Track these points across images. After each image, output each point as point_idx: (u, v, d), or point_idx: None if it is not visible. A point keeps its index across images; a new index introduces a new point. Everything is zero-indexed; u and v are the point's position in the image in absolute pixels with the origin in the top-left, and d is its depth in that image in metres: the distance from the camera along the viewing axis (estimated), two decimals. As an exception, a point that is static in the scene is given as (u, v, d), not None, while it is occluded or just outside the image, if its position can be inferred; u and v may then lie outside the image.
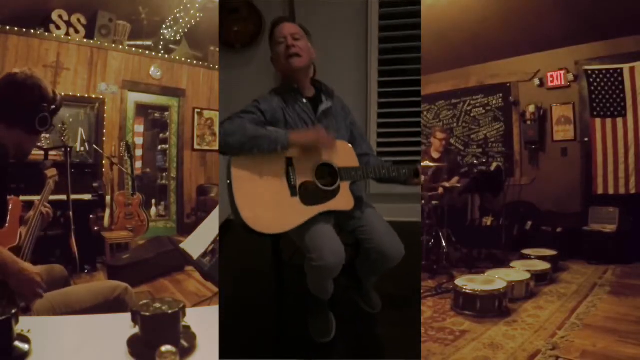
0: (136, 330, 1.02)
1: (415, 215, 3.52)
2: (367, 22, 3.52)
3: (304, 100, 1.85)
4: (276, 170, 1.70)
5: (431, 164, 4.09)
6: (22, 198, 1.68)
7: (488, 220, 4.65)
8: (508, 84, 5.25)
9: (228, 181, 1.64)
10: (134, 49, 5.68)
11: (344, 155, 1.83)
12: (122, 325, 1.09)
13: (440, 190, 4.09)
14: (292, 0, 3.35)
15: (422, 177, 4.05)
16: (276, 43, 1.81)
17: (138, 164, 6.12)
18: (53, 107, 1.58)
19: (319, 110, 1.86)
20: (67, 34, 5.05)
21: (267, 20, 3.43)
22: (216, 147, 6.34)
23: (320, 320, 1.90)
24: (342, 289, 2.06)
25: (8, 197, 1.62)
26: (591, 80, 4.48)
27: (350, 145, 1.89)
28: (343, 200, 1.78)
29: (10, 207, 1.59)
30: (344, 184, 1.79)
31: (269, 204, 1.66)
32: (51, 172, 2.01)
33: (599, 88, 4.44)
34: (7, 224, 1.54)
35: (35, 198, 1.84)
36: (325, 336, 1.86)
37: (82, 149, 5.12)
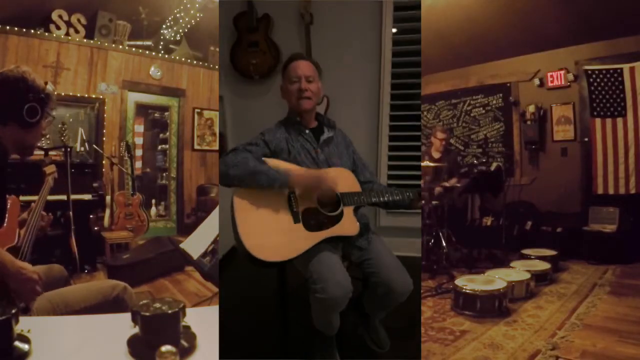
0: (136, 330, 1.02)
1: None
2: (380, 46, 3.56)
3: (307, 131, 1.95)
4: (278, 198, 1.72)
5: (431, 164, 4.09)
6: (21, 198, 1.68)
7: (488, 220, 4.65)
8: (508, 84, 5.25)
9: (231, 211, 1.65)
10: (134, 49, 5.68)
11: (345, 181, 1.86)
12: (122, 325, 1.09)
13: (437, 190, 4.08)
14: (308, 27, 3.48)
15: (423, 178, 4.06)
16: (290, 80, 1.91)
17: (138, 164, 6.12)
18: (42, 96, 1.58)
19: (320, 139, 1.95)
20: (67, 34, 5.05)
21: (284, 54, 3.54)
22: (216, 147, 6.35)
23: (324, 356, 1.85)
24: (350, 326, 2.02)
25: (7, 196, 1.61)
26: (591, 80, 4.48)
27: (351, 171, 1.94)
28: (347, 225, 1.78)
29: (8, 207, 1.59)
30: (348, 209, 1.81)
31: (272, 231, 1.65)
32: (50, 169, 2.00)
33: (599, 88, 4.44)
34: (5, 224, 1.54)
35: (35, 198, 1.84)
36: None
37: (82, 149, 5.11)
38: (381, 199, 1.86)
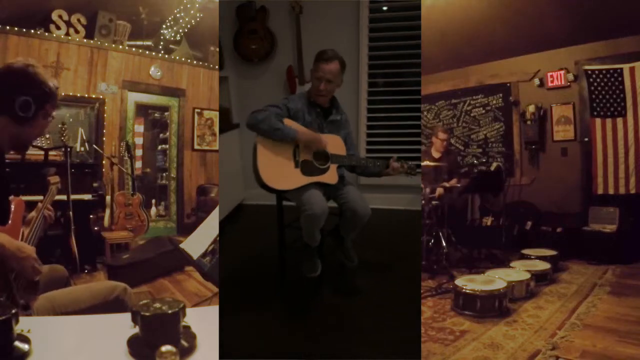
0: (136, 330, 1.02)
1: (397, 204, 4.32)
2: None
3: (319, 110, 2.56)
4: (287, 149, 2.42)
5: (431, 164, 4.09)
6: (23, 198, 1.68)
7: (488, 220, 4.65)
8: (508, 84, 5.25)
9: (254, 151, 2.35)
10: (134, 49, 5.68)
11: (336, 146, 2.55)
12: (122, 325, 1.09)
13: (439, 191, 4.09)
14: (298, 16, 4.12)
15: (422, 178, 4.06)
16: (317, 75, 2.45)
17: (138, 164, 6.11)
18: (40, 91, 1.53)
19: (328, 119, 2.59)
20: (67, 34, 5.05)
21: (279, 40, 4.21)
22: (216, 147, 6.35)
23: (310, 261, 2.59)
24: (330, 249, 2.78)
25: (11, 197, 1.61)
26: (591, 80, 4.48)
27: (341, 139, 2.59)
28: (331, 176, 2.52)
29: (13, 207, 1.59)
30: (333, 165, 2.52)
31: (279, 170, 2.38)
32: (54, 179, 2.01)
33: (599, 88, 4.44)
34: (10, 221, 1.54)
35: (36, 198, 1.84)
36: (313, 272, 2.57)
37: (82, 149, 5.11)
38: (357, 163, 2.60)
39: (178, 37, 5.99)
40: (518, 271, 3.39)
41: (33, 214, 1.70)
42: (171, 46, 6.13)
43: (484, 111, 5.50)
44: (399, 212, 4.27)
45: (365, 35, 4.11)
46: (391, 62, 4.18)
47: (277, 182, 2.35)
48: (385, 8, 4.13)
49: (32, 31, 4.81)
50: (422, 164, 4.11)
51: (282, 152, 2.39)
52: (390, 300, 2.44)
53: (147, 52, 5.80)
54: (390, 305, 2.37)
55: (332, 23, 4.11)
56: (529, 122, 5.03)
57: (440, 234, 3.99)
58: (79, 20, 5.13)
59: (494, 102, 5.40)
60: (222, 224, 3.52)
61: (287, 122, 2.39)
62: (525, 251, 4.05)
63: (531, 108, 5.00)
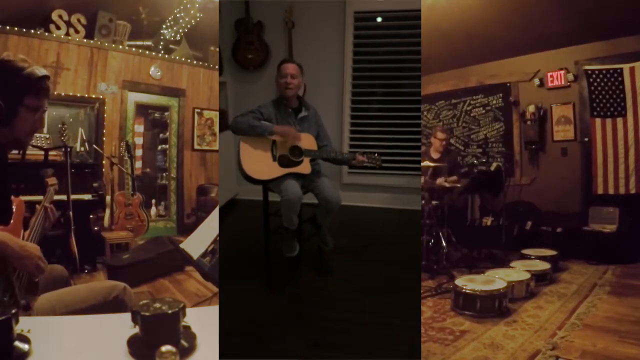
0: (136, 330, 1.02)
1: (376, 202, 4.82)
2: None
3: (290, 110, 2.98)
4: (266, 146, 2.85)
5: (431, 164, 4.09)
6: (23, 198, 1.68)
7: (488, 220, 4.65)
8: (508, 84, 5.25)
9: (237, 149, 2.78)
10: (134, 49, 5.68)
11: (308, 142, 2.95)
12: (122, 325, 1.09)
13: (439, 181, 4.07)
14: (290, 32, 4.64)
15: (422, 178, 4.06)
16: (280, 75, 2.89)
17: (138, 164, 6.11)
18: (16, 82, 1.43)
19: (298, 116, 2.99)
20: (67, 34, 5.05)
21: (273, 51, 4.72)
22: (216, 147, 6.35)
23: (289, 242, 2.93)
24: (307, 237, 3.22)
25: (12, 197, 1.61)
26: (591, 80, 4.48)
27: (313, 137, 2.99)
28: (304, 168, 2.91)
29: (14, 209, 1.58)
30: (306, 159, 2.91)
31: (260, 163, 2.80)
32: (52, 181, 2.00)
33: (599, 88, 4.44)
34: (11, 221, 1.54)
35: (36, 198, 1.84)
36: (291, 252, 2.92)
37: (82, 149, 5.11)
38: (327, 156, 2.96)
39: (178, 37, 5.98)
40: (518, 271, 3.39)
41: (33, 216, 1.70)
42: (171, 46, 6.13)
43: (484, 111, 5.50)
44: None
45: (350, 50, 4.66)
46: (373, 65, 4.70)
47: (258, 173, 2.78)
48: (367, 23, 4.65)
49: (32, 31, 4.81)
50: (422, 164, 4.11)
51: (262, 148, 2.82)
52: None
53: (147, 52, 5.80)
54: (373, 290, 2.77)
55: (320, 36, 4.64)
56: (529, 122, 5.03)
57: (440, 234, 3.99)
58: (79, 20, 5.13)
59: (494, 102, 5.40)
60: (219, 213, 3.89)
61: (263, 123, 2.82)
62: (525, 251, 4.05)
63: (531, 108, 5.00)
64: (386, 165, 4.35)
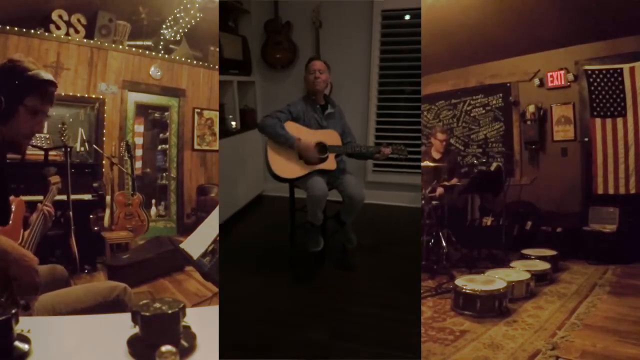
0: (136, 330, 1.02)
1: (400, 200, 4.94)
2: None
3: (318, 106, 3.10)
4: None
5: (431, 164, 4.09)
6: (23, 198, 1.68)
7: (488, 220, 4.65)
8: (508, 84, 5.25)
9: (265, 151, 2.96)
10: (134, 49, 5.68)
11: (333, 138, 3.05)
12: (122, 325, 1.09)
13: (439, 190, 4.09)
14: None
15: (422, 178, 4.06)
16: (309, 72, 3.04)
17: (138, 164, 6.11)
18: (11, 85, 1.43)
19: (325, 112, 3.10)
20: (67, 34, 5.04)
21: (301, 51, 4.89)
22: (216, 147, 6.34)
23: (313, 237, 3.05)
24: (332, 234, 3.31)
25: (11, 197, 1.61)
26: (591, 80, 4.47)
27: (337, 133, 3.07)
28: (329, 164, 3.00)
29: (14, 209, 1.58)
30: (331, 155, 3.00)
31: (287, 163, 2.93)
32: (55, 179, 2.01)
33: (599, 88, 4.44)
34: (10, 222, 1.54)
35: (36, 198, 1.84)
36: (315, 247, 3.04)
37: (82, 149, 5.11)
38: (351, 151, 3.05)
39: (178, 37, 5.98)
40: (518, 271, 3.39)
41: (34, 215, 1.70)
42: (171, 46, 6.13)
43: (484, 111, 5.50)
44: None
45: (377, 48, 4.74)
46: (399, 64, 4.77)
47: (285, 172, 2.91)
48: (394, 21, 4.73)
49: (32, 31, 4.80)
50: (422, 164, 4.11)
51: (287, 149, 2.93)
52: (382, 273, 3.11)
53: (147, 52, 5.80)
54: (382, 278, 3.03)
55: (347, 35, 4.74)
56: (529, 122, 5.03)
57: (440, 234, 3.99)
58: (79, 20, 5.13)
59: (494, 102, 5.40)
60: (246, 208, 4.52)
61: (291, 126, 2.93)
62: (525, 251, 4.05)
63: (531, 108, 5.00)
64: (411, 164, 4.72)
